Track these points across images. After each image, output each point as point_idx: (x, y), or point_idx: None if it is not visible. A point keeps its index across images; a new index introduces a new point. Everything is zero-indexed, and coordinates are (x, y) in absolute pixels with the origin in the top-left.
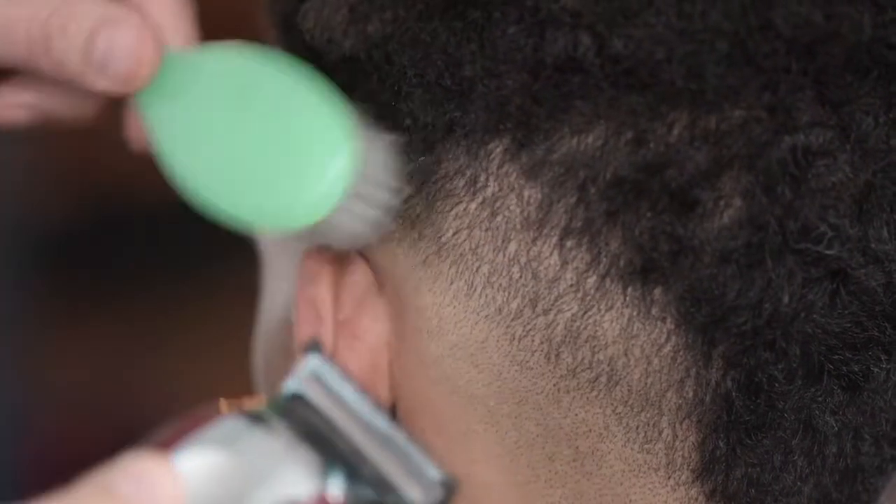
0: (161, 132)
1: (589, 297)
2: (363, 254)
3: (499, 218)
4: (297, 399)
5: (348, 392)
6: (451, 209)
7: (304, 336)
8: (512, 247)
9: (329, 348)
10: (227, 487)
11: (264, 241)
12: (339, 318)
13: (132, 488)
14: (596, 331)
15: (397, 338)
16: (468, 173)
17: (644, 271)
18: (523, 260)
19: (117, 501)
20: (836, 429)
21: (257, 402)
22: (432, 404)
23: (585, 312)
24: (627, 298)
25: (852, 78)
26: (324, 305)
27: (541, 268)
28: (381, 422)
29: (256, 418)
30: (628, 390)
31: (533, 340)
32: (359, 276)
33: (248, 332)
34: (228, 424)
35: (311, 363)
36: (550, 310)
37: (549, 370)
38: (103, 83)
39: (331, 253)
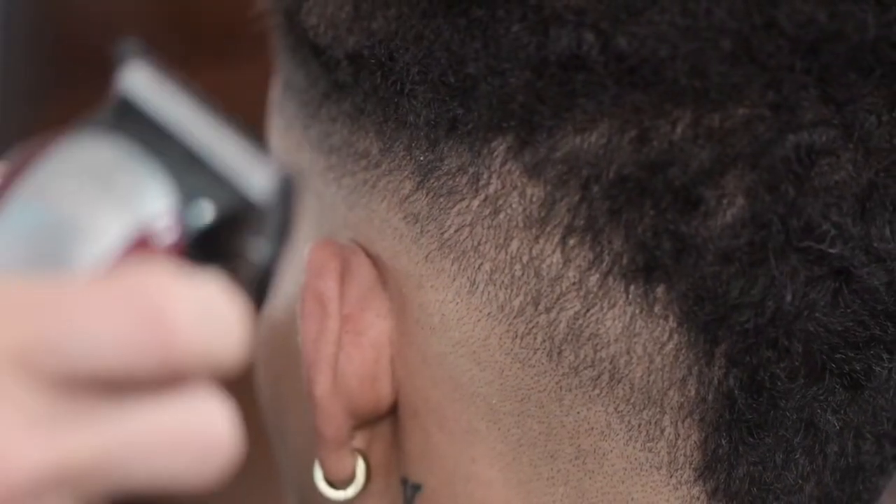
0: None
1: (591, 296)
2: (367, 249)
3: (501, 216)
4: (127, 106)
5: (179, 97)
6: (454, 206)
7: (309, 331)
8: (514, 245)
9: (335, 342)
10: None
11: None
12: (344, 313)
13: None
14: (598, 329)
15: (399, 334)
16: (471, 171)
17: (647, 269)
18: (525, 258)
19: None
20: (838, 427)
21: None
22: (434, 401)
23: (588, 310)
24: (630, 297)
25: (856, 77)
26: (330, 300)
27: (543, 266)
28: (211, 125)
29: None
30: (630, 388)
31: (535, 338)
32: (363, 271)
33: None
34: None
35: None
36: (553, 308)
37: (552, 368)
38: None
39: (337, 246)
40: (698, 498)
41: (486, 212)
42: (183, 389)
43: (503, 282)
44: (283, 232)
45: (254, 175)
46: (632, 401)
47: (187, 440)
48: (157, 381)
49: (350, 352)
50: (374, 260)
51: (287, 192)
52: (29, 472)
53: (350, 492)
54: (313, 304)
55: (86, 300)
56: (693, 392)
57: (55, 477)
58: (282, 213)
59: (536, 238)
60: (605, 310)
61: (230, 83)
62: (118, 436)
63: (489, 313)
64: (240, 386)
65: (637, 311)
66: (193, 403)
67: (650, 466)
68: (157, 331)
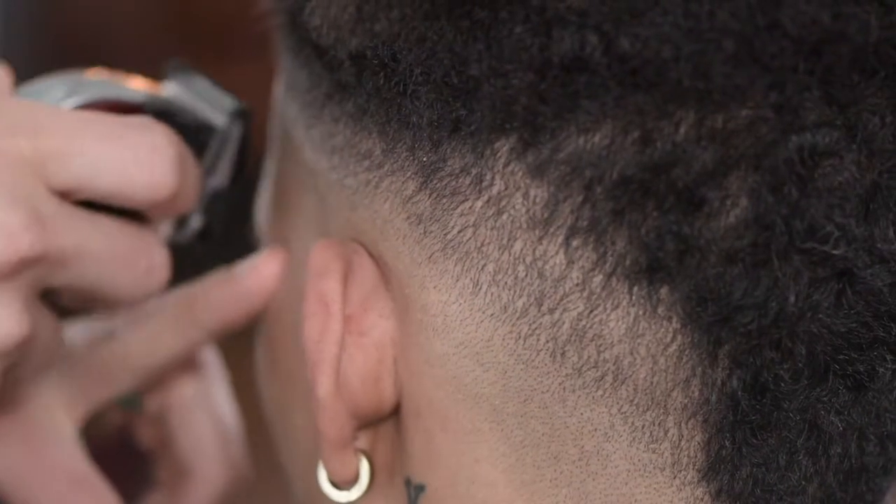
0: None
1: (595, 296)
2: (369, 249)
3: (504, 216)
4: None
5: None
6: (457, 207)
7: (312, 331)
8: (517, 245)
9: (338, 343)
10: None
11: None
12: (347, 314)
13: None
14: (602, 330)
15: (403, 335)
16: (474, 171)
17: (650, 270)
18: (529, 259)
19: None
20: (841, 429)
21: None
22: (438, 402)
23: (591, 311)
24: (633, 297)
25: (859, 78)
26: (333, 300)
27: (546, 267)
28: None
29: None
30: (634, 389)
31: (538, 339)
32: (366, 272)
33: (247, 333)
34: None
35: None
36: (556, 308)
37: (555, 369)
38: None
39: (340, 247)
40: (702, 499)
41: (490, 212)
42: (143, 221)
43: (506, 283)
44: (241, 154)
45: (216, 107)
46: (635, 402)
47: (136, 261)
48: (136, 209)
49: (353, 352)
50: (377, 260)
51: (246, 123)
52: (19, 255)
53: (354, 493)
54: (316, 304)
55: (100, 131)
56: (697, 393)
57: (35, 262)
58: (240, 140)
59: (540, 239)
60: (608, 311)
61: (230, 83)
62: (90, 242)
63: (492, 314)
64: (243, 386)
65: (640, 312)
66: (146, 235)
67: (654, 468)
68: (153, 171)
